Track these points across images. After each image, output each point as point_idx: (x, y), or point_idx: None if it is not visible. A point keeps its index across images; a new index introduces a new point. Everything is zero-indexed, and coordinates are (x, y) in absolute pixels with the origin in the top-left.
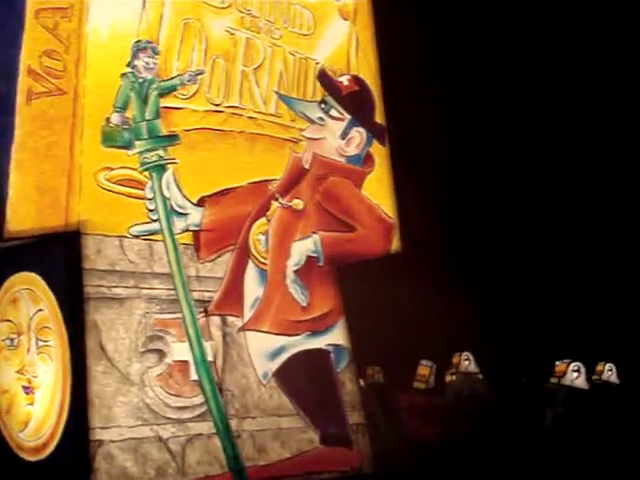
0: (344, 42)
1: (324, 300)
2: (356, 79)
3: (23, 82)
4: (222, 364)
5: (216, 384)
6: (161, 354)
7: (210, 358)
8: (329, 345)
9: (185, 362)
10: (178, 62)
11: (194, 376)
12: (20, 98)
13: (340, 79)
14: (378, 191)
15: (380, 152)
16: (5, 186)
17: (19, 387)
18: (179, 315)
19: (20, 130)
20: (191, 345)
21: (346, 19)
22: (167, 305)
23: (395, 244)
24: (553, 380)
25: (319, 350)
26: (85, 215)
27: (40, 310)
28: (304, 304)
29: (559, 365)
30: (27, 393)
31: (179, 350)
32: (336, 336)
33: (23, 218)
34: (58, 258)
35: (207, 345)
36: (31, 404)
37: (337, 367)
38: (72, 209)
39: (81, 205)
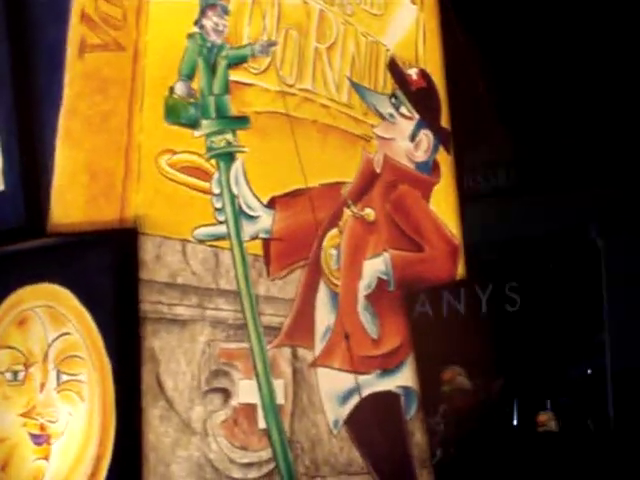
0: (412, 29)
1: (394, 332)
2: (424, 74)
3: (75, 29)
4: (292, 408)
5: (285, 435)
6: (226, 394)
7: (280, 400)
8: (399, 387)
9: (252, 405)
10: (249, 28)
11: (262, 424)
12: (71, 49)
13: (409, 72)
14: (442, 206)
15: (445, 161)
16: (50, 162)
17: (24, 435)
18: (246, 345)
19: (70, 90)
20: (259, 383)
21: (414, 3)
22: (234, 331)
23: (460, 269)
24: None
25: (389, 393)
26: (143, 209)
27: (65, 334)
28: (375, 336)
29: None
30: (38, 443)
31: (246, 390)
32: (405, 376)
33: (70, 207)
34: (104, 264)
35: (276, 384)
36: (44, 458)
37: (407, 414)
38: (129, 200)
39: (139, 196)
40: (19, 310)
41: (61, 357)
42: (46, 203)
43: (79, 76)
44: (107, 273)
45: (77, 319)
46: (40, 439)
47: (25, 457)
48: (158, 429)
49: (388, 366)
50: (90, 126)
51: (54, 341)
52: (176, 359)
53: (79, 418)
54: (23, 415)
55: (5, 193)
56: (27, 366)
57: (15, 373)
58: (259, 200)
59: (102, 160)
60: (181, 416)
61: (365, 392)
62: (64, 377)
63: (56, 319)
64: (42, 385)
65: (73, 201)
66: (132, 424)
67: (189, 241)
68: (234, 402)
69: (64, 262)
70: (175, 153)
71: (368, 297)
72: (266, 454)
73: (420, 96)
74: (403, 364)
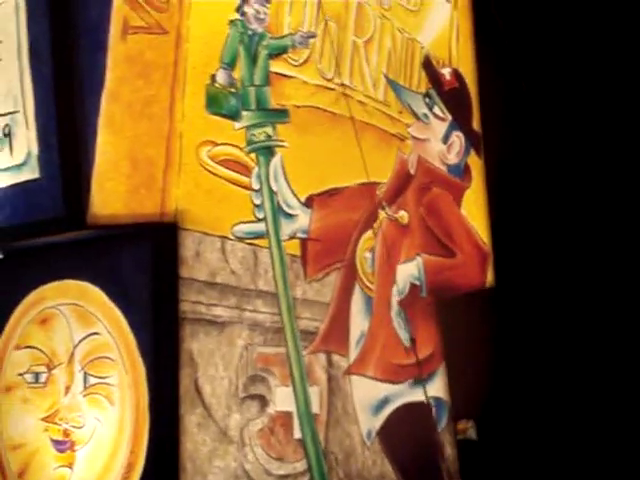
0: (446, 28)
1: (427, 340)
2: (457, 74)
3: (118, 9)
4: (326, 417)
5: (320, 445)
6: (263, 402)
7: (315, 409)
8: (431, 398)
9: (288, 414)
10: (290, 17)
11: (298, 433)
12: (114, 30)
13: (443, 71)
14: (472, 211)
15: (475, 164)
16: (91, 149)
17: (46, 440)
18: (283, 350)
19: (112, 73)
20: (295, 391)
21: (448, 1)
22: (271, 335)
23: (490, 277)
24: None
25: (421, 404)
26: (183, 203)
27: (94, 334)
28: (407, 344)
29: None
30: (60, 450)
31: (282, 397)
32: (437, 386)
33: (111, 198)
34: (142, 260)
35: (311, 391)
36: (67, 466)
37: (439, 426)
38: (170, 192)
39: (180, 189)
40: (41, 308)
41: (89, 358)
42: (86, 192)
43: (122, 59)
44: (145, 270)
45: (108, 318)
46: (63, 445)
47: (46, 464)
48: (196, 437)
49: (421, 375)
50: (132, 112)
51: (81, 341)
52: (214, 363)
53: (108, 424)
54: (45, 420)
55: (41, 180)
56: (50, 367)
57: (37, 375)
58: (297, 198)
59: (144, 148)
60: (219, 424)
61: (398, 402)
62: (92, 380)
63: (84, 318)
64: (67, 388)
65: (114, 190)
66: (169, 431)
67: (228, 238)
68: (271, 410)
69: (94, 257)
70: (216, 145)
71: (401, 303)
72: (301, 465)
73: (452, 97)
74: (435, 374)
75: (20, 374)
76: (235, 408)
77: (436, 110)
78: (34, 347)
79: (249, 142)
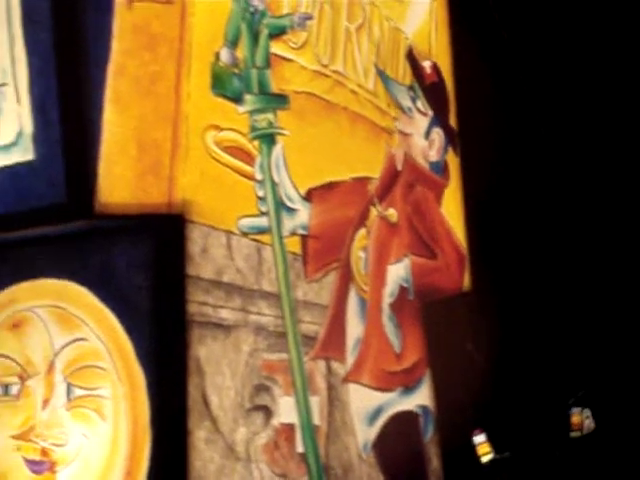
0: (427, 18)
1: (414, 346)
2: (436, 68)
3: None
4: (327, 429)
5: (321, 460)
6: (267, 414)
7: (316, 420)
8: (418, 406)
9: (291, 426)
10: None
11: (300, 447)
12: None
13: (424, 64)
14: (449, 211)
15: (452, 162)
16: (97, 126)
17: (18, 461)
18: (286, 356)
19: (119, 44)
20: (297, 401)
21: None
22: (274, 340)
23: (466, 280)
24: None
25: (410, 413)
26: (190, 192)
27: (79, 340)
28: (398, 350)
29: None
30: (37, 471)
31: (285, 407)
32: (423, 394)
33: (119, 184)
34: (141, 256)
35: (312, 401)
36: None
37: (425, 437)
38: (176, 180)
39: (186, 177)
40: (12, 311)
41: (73, 367)
42: (92, 176)
43: (128, 28)
44: (146, 266)
45: (96, 322)
46: (40, 466)
47: None
48: (204, 454)
49: (409, 383)
50: (139, 88)
51: (63, 348)
52: (221, 372)
53: (98, 441)
54: (17, 437)
55: (35, 163)
56: (23, 378)
57: (6, 387)
58: (297, 191)
59: (150, 130)
60: (226, 439)
61: (390, 412)
62: (77, 391)
63: (66, 322)
64: (46, 401)
65: (122, 176)
66: (177, 449)
67: (233, 233)
68: (275, 422)
69: (79, 253)
70: (221, 130)
71: (392, 306)
72: None
73: (432, 91)
74: (422, 381)
75: None
76: (241, 421)
77: (419, 104)
78: (2, 355)
79: (252, 128)
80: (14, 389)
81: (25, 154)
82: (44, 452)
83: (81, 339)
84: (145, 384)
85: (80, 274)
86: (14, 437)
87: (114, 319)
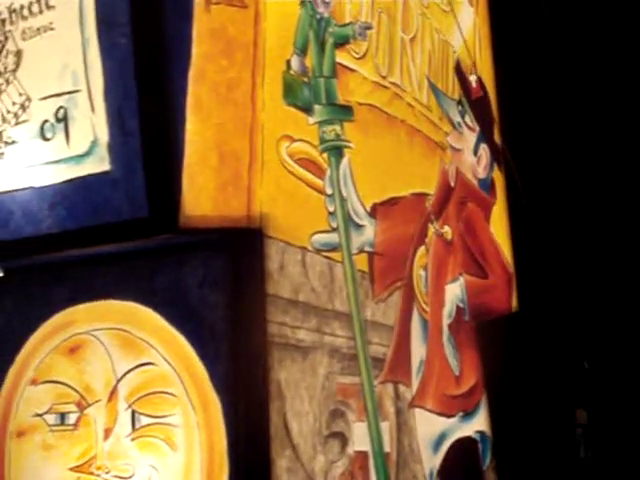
0: (471, 33)
1: (471, 368)
2: (481, 83)
3: None
4: (396, 457)
5: None
6: (343, 441)
7: (386, 447)
8: (477, 432)
9: (365, 454)
10: (350, 5)
11: (374, 476)
12: None
13: (470, 79)
14: (496, 230)
15: (498, 180)
16: (180, 135)
17: None
18: (357, 379)
19: (198, 48)
20: (369, 427)
21: (471, 5)
22: (347, 362)
23: (514, 301)
24: None
25: (469, 440)
26: (267, 206)
27: (146, 364)
28: (457, 373)
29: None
30: None
31: (359, 434)
32: (481, 419)
33: (201, 196)
34: (215, 274)
35: (382, 427)
36: None
37: (484, 464)
38: (254, 192)
39: (263, 189)
40: (70, 334)
41: (139, 394)
42: (176, 188)
43: (207, 32)
44: (221, 285)
45: (165, 346)
46: None
47: None
48: None
49: (468, 408)
50: (218, 95)
51: (127, 374)
52: (300, 396)
53: (169, 472)
54: (76, 469)
55: (111, 174)
56: (81, 406)
57: (62, 415)
58: (364, 206)
59: (230, 139)
60: (306, 468)
61: (452, 439)
62: (144, 420)
63: (130, 346)
64: (108, 430)
65: (204, 187)
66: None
67: (307, 250)
68: (350, 450)
69: (143, 272)
70: (294, 141)
71: (450, 327)
72: None
73: (478, 106)
74: (479, 405)
75: (38, 415)
76: (319, 448)
77: (467, 119)
78: (58, 382)
79: (322, 140)
80: (71, 418)
81: (100, 165)
82: None
83: (147, 364)
84: (222, 411)
85: (146, 294)
86: (72, 469)
87: (185, 342)
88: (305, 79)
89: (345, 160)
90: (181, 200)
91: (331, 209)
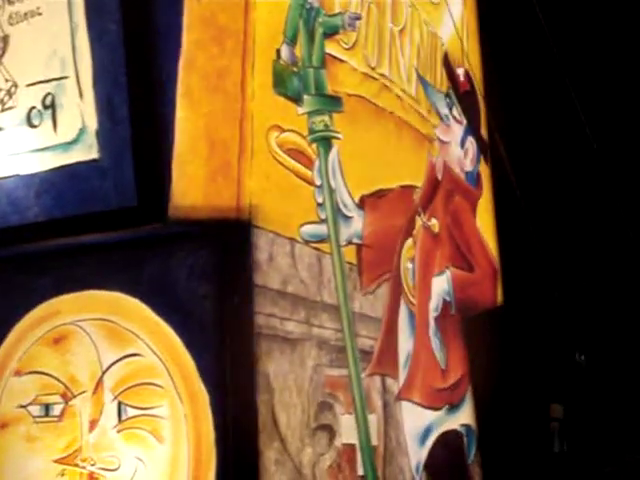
0: (459, 26)
1: (457, 362)
2: (469, 76)
3: None
4: (383, 450)
5: None
6: (331, 433)
7: (373, 441)
8: (462, 425)
9: (352, 447)
10: None
11: (360, 469)
12: None
13: (458, 72)
14: (482, 223)
15: (484, 173)
16: (170, 122)
17: None
18: (345, 372)
19: (189, 35)
20: (357, 420)
21: None
22: (335, 355)
23: (499, 294)
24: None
25: (455, 433)
26: (256, 196)
27: (132, 355)
28: (443, 365)
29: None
30: None
31: (347, 427)
32: (466, 413)
33: (191, 185)
34: (204, 265)
35: (370, 420)
36: None
37: (469, 457)
38: (243, 183)
39: (252, 180)
40: (54, 325)
41: (125, 385)
42: (166, 177)
43: (197, 19)
44: (210, 276)
45: (152, 336)
46: None
47: None
48: (274, 477)
49: (454, 401)
50: (208, 84)
51: (113, 365)
52: (288, 388)
53: (155, 464)
54: (60, 461)
55: (100, 162)
56: (66, 397)
57: (46, 407)
58: (352, 198)
59: (219, 128)
60: (294, 460)
61: (438, 431)
62: (130, 411)
63: (116, 337)
64: (93, 422)
65: (194, 176)
66: (247, 471)
67: (296, 241)
68: (337, 443)
69: (131, 262)
70: (283, 131)
71: (436, 320)
72: None
73: (465, 99)
74: (465, 398)
75: (22, 406)
76: (307, 441)
77: (455, 112)
78: (42, 372)
79: (310, 131)
80: (56, 409)
81: (88, 153)
82: (92, 477)
83: (134, 355)
84: (209, 402)
85: (133, 285)
86: (57, 461)
87: (172, 333)
88: (295, 69)
89: (334, 151)
90: (170, 190)
91: (320, 200)
